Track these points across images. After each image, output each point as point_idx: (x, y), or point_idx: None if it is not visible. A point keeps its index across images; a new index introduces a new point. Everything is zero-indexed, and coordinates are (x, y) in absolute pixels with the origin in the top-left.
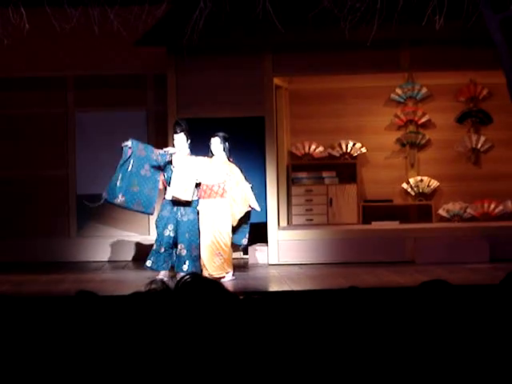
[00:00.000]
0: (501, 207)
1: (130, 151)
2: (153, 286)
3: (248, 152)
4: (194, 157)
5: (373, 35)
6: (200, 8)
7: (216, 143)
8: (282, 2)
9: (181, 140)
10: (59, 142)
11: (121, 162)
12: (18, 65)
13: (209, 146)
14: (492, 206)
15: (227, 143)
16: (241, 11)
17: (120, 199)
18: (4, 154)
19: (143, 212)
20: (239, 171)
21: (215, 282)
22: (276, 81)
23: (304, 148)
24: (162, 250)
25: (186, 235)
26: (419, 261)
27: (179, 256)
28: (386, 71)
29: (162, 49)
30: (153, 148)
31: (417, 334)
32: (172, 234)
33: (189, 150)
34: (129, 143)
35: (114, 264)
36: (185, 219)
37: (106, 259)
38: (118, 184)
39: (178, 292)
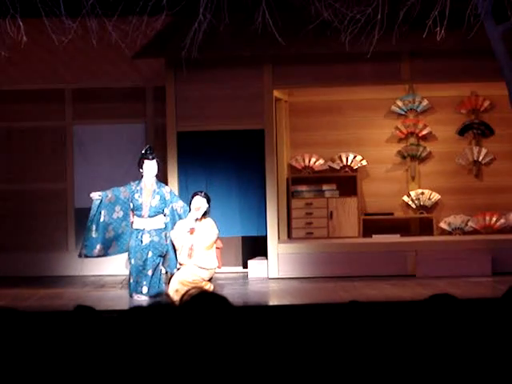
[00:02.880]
0: (502, 220)
1: (97, 203)
2: (157, 299)
3: (248, 165)
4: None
5: (373, 47)
6: (199, 20)
7: (202, 203)
8: (281, 14)
9: (154, 167)
10: (57, 155)
11: (91, 215)
12: (15, 77)
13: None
14: (494, 218)
15: (208, 206)
16: (240, 23)
17: (98, 250)
18: (1, 167)
19: (118, 253)
20: (211, 223)
21: (221, 297)
22: (276, 93)
23: (304, 161)
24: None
25: (149, 253)
26: (420, 274)
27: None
28: (386, 83)
29: (161, 61)
30: (119, 188)
31: (422, 348)
32: (141, 263)
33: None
34: (98, 197)
35: (112, 278)
36: (147, 240)
37: (104, 273)
38: (93, 235)
39: (182, 307)
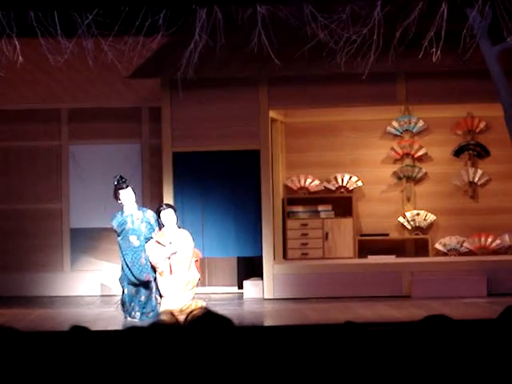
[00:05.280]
0: (498, 241)
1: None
2: (161, 318)
3: (243, 185)
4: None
5: (369, 68)
6: (195, 41)
7: (171, 215)
8: (277, 35)
9: (131, 194)
10: (53, 175)
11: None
12: (11, 97)
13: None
14: (489, 240)
15: (176, 213)
16: (236, 44)
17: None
18: None
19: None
20: (187, 236)
21: (224, 318)
22: (271, 114)
23: (299, 181)
24: (132, 304)
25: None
26: (416, 295)
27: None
28: (382, 104)
29: (156, 81)
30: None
31: (417, 369)
32: (134, 290)
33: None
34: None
35: (107, 298)
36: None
37: (99, 294)
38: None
39: (187, 327)
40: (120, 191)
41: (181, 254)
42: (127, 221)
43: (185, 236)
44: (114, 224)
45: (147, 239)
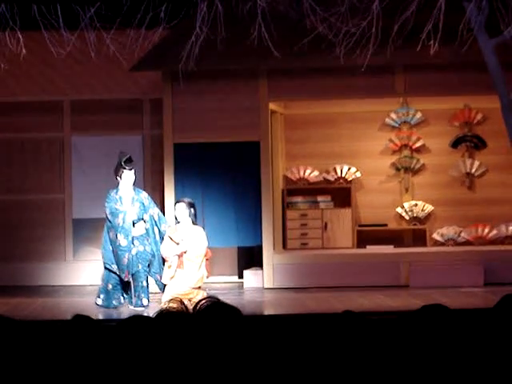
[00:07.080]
0: (495, 231)
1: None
2: (170, 305)
3: (243, 176)
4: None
5: (368, 60)
6: (196, 33)
7: (181, 209)
8: (277, 27)
9: (133, 177)
10: (55, 167)
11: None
12: (14, 89)
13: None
14: (486, 230)
15: (193, 209)
16: (236, 36)
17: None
18: (0, 177)
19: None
20: (201, 234)
21: (233, 307)
22: (271, 106)
23: (299, 172)
24: (110, 286)
25: (139, 266)
26: (414, 285)
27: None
28: (380, 96)
29: (158, 73)
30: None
31: (414, 358)
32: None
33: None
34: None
35: None
36: (133, 252)
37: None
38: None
39: (196, 316)
40: (124, 171)
41: (192, 252)
42: (119, 216)
43: (198, 234)
44: (107, 209)
45: (139, 219)
